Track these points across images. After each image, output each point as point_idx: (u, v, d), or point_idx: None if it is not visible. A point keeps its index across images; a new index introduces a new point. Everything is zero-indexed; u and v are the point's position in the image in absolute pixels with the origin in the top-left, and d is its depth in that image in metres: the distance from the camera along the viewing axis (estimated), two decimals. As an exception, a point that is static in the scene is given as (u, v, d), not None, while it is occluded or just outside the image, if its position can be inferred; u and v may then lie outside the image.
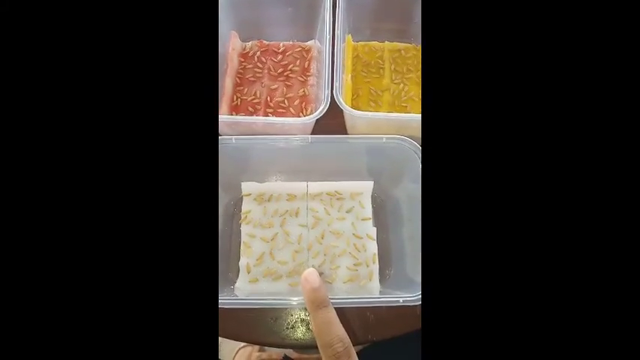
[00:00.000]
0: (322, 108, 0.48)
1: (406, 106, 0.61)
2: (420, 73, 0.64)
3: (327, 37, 0.54)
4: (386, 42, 0.67)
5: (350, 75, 0.62)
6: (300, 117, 0.58)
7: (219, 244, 0.50)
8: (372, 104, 0.62)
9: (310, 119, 0.48)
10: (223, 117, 0.49)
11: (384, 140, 0.47)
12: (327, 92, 0.50)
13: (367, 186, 0.54)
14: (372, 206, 0.54)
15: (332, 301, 0.35)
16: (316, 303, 0.34)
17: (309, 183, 0.54)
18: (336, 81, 0.51)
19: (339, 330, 0.33)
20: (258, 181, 0.54)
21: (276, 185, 0.54)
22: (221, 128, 0.53)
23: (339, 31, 0.55)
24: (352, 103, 0.61)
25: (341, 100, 0.49)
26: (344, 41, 0.63)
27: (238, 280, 0.49)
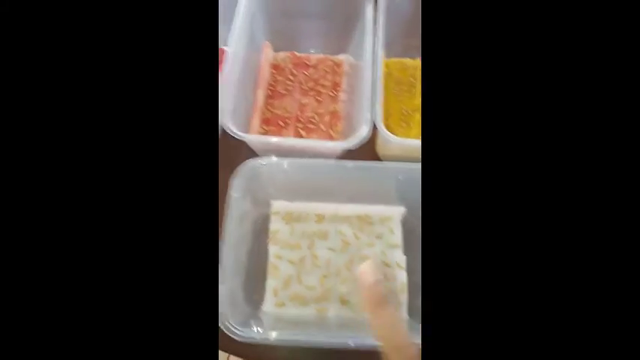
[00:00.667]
0: (365, 134, 0.47)
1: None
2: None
3: (368, 54, 0.52)
4: (418, 59, 0.65)
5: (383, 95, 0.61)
6: (330, 134, 0.57)
7: (245, 261, 0.49)
8: (404, 124, 0.61)
9: (351, 144, 0.47)
10: (261, 138, 0.48)
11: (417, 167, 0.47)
12: (368, 116, 0.48)
13: (398, 211, 0.53)
14: (403, 233, 0.53)
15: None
16: (376, 301, 0.30)
17: (338, 205, 0.53)
18: (377, 103, 0.49)
19: (402, 332, 0.29)
20: (288, 200, 0.53)
21: (305, 205, 0.53)
22: (254, 144, 0.52)
23: (376, 48, 0.54)
24: (384, 123, 0.60)
25: (382, 126, 0.48)
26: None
27: (265, 303, 0.48)
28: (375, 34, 0.54)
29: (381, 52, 0.54)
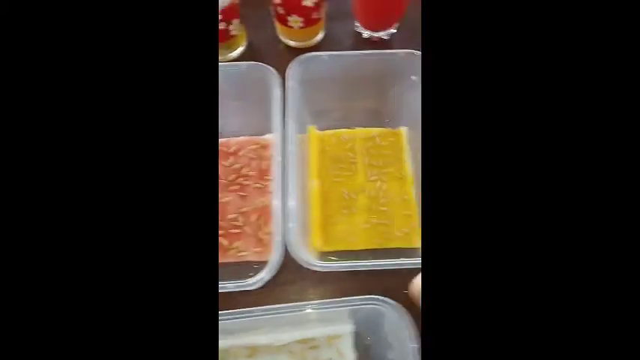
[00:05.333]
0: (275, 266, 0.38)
1: (386, 210, 0.51)
2: (400, 165, 0.54)
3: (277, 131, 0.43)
4: (357, 128, 0.56)
5: (315, 179, 0.52)
6: (259, 237, 0.48)
7: None
8: (345, 211, 0.51)
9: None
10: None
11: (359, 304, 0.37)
12: (278, 239, 0.39)
13: (346, 330, 0.44)
14: (355, 353, 0.43)
15: None
16: None
17: (273, 332, 0.43)
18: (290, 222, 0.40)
19: None
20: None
21: (232, 340, 0.43)
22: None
23: (289, 128, 0.44)
24: (322, 213, 0.51)
25: (302, 255, 0.38)
26: (303, 132, 0.53)
27: None
28: (286, 108, 0.46)
29: (292, 127, 0.45)
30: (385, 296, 0.40)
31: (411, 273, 0.42)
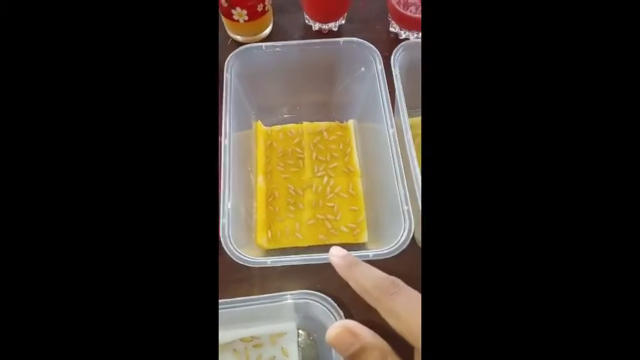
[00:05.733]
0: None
1: (333, 206, 0.50)
2: (347, 159, 0.53)
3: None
4: (304, 122, 0.56)
5: (261, 176, 0.51)
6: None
7: None
8: (292, 208, 0.51)
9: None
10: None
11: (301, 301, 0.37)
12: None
13: (290, 327, 0.43)
14: (300, 353, 0.43)
15: None
16: (348, 265, 0.32)
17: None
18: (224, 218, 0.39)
19: (380, 272, 0.31)
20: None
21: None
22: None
23: (227, 123, 0.43)
24: (268, 210, 0.50)
25: (239, 254, 0.38)
26: (248, 128, 0.52)
27: None
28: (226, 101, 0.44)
29: (230, 123, 0.43)
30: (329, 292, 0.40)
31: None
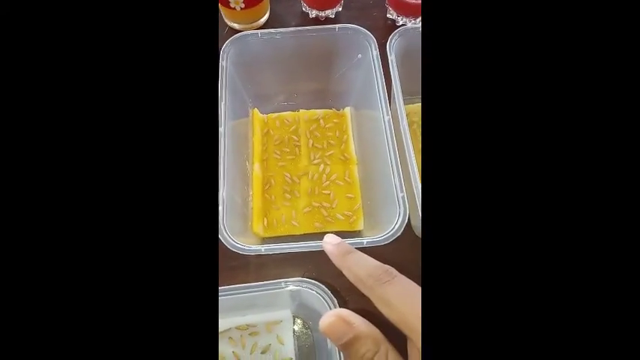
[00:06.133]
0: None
1: (329, 194, 0.50)
2: (344, 147, 0.53)
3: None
4: (301, 110, 0.55)
5: (257, 163, 0.51)
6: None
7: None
8: (288, 196, 0.50)
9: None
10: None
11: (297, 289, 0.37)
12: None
13: (285, 315, 0.43)
14: (295, 341, 0.43)
15: None
16: (342, 253, 0.32)
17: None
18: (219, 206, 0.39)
19: (374, 261, 0.31)
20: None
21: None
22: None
23: (222, 110, 0.42)
24: (264, 197, 0.50)
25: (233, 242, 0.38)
26: (245, 116, 0.52)
27: None
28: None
29: (225, 110, 0.43)
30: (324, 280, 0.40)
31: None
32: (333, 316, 0.29)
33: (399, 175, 0.38)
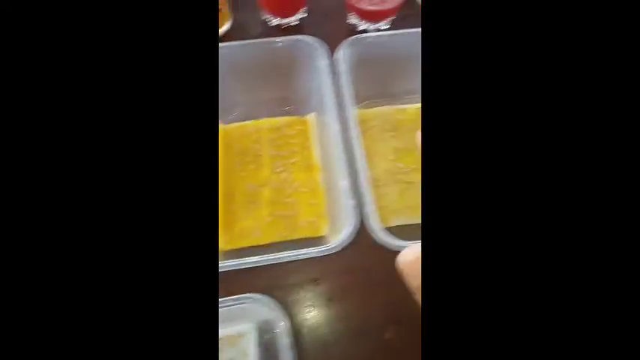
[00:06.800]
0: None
1: (290, 201, 0.50)
2: (307, 153, 0.53)
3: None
4: (263, 119, 0.55)
5: (220, 177, 0.51)
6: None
7: None
8: (251, 206, 0.50)
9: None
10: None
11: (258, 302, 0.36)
12: None
13: (249, 328, 0.43)
14: (259, 354, 0.43)
15: None
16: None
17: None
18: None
19: None
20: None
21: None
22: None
23: None
24: (226, 210, 0.50)
25: None
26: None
27: None
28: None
29: None
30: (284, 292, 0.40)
31: (311, 263, 0.41)
32: (413, 255, 0.27)
33: (349, 182, 0.38)
